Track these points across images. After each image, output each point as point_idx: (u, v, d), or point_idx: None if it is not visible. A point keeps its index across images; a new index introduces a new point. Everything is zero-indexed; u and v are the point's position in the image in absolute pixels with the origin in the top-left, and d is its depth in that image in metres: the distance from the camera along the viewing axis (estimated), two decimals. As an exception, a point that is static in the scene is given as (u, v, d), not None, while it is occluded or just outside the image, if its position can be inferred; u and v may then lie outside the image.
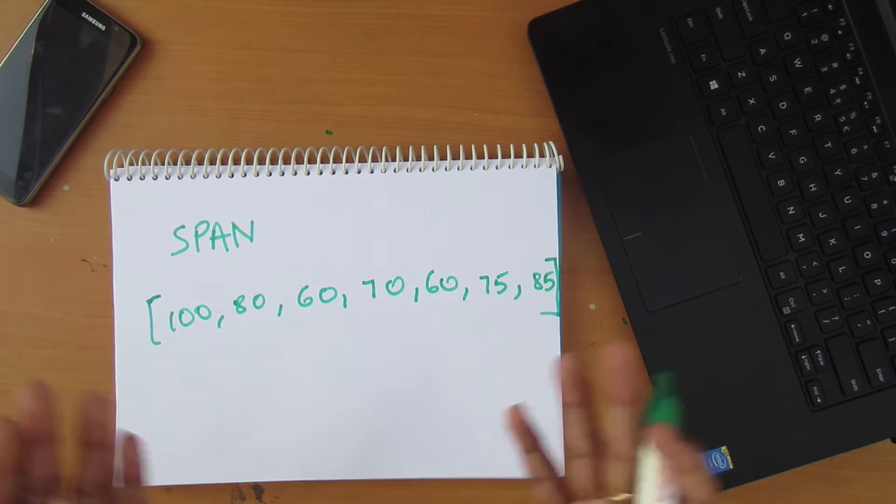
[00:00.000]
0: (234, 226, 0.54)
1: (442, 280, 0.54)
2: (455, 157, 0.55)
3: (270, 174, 0.54)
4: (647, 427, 0.38)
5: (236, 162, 0.55)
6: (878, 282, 0.54)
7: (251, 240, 0.54)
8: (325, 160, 0.55)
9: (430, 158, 0.55)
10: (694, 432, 0.54)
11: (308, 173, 0.54)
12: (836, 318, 0.54)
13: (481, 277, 0.54)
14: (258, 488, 0.56)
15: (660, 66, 0.55)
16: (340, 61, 0.57)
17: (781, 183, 0.54)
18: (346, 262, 0.54)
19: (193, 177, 0.54)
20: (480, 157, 0.55)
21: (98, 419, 0.41)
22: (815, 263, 0.54)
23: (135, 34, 0.55)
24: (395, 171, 0.55)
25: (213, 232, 0.54)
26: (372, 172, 0.55)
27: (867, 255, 0.54)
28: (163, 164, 0.54)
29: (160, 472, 0.54)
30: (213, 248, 0.54)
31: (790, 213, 0.54)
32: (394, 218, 0.54)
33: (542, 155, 0.55)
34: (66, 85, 0.55)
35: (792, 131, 0.54)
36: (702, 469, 0.38)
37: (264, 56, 0.57)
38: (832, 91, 0.54)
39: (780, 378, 0.54)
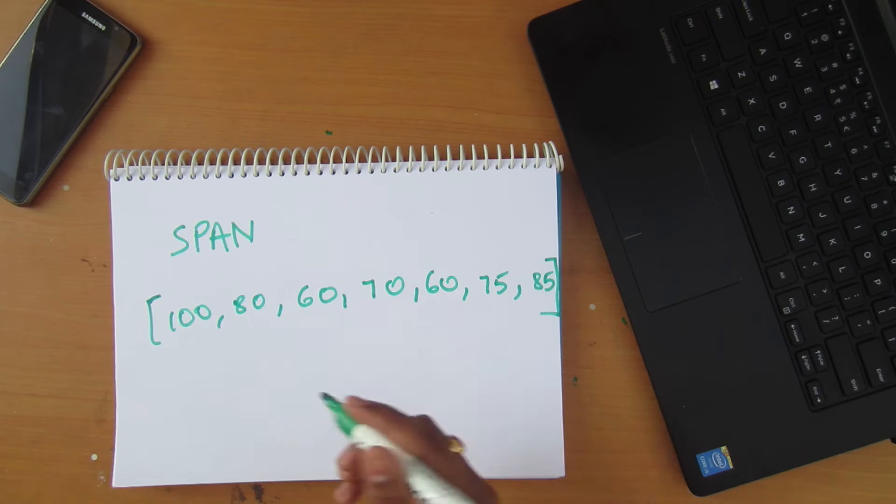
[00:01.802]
0: (234, 226, 0.54)
1: (442, 280, 0.54)
2: (455, 157, 0.55)
3: (270, 174, 0.54)
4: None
5: (236, 162, 0.55)
6: (878, 282, 0.54)
7: (251, 240, 0.54)
8: (325, 160, 0.55)
9: (430, 158, 0.55)
10: (694, 432, 0.55)
11: (308, 173, 0.54)
12: (836, 318, 0.54)
13: (481, 277, 0.54)
14: (258, 488, 0.56)
15: (660, 66, 0.55)
16: (341, 61, 0.57)
17: (781, 183, 0.54)
18: (346, 262, 0.54)
19: (193, 177, 0.54)
20: (480, 157, 0.55)
21: None
22: (815, 263, 0.54)
23: (135, 34, 0.55)
24: (395, 171, 0.55)
25: (213, 232, 0.54)
26: (372, 172, 0.55)
27: (867, 255, 0.54)
28: (163, 164, 0.54)
29: (160, 472, 0.54)
30: (213, 248, 0.54)
31: (790, 213, 0.54)
32: (394, 218, 0.54)
33: (542, 155, 0.55)
34: (66, 85, 0.55)
35: (792, 131, 0.54)
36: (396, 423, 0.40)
37: (264, 56, 0.57)
38: (832, 91, 0.54)
39: (780, 378, 0.54)
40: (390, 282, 0.54)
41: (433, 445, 0.40)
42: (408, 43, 0.57)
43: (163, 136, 0.57)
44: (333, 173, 0.55)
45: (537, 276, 0.54)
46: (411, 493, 0.39)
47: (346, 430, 0.42)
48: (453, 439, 0.42)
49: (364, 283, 0.54)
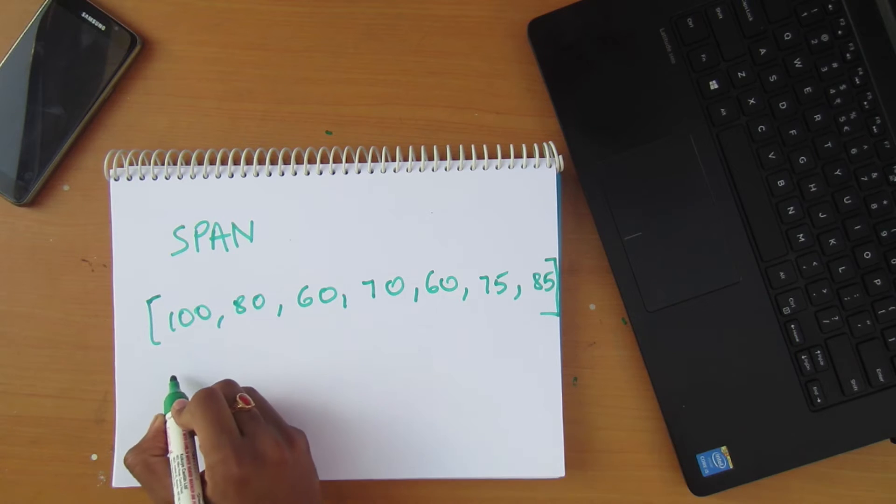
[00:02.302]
0: (234, 226, 0.54)
1: (442, 280, 0.54)
2: (455, 157, 0.55)
3: (270, 174, 0.54)
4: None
5: (236, 162, 0.55)
6: (878, 282, 0.54)
7: (251, 240, 0.54)
8: (325, 160, 0.55)
9: (430, 158, 0.55)
10: (694, 432, 0.55)
11: (308, 173, 0.54)
12: (836, 318, 0.54)
13: (481, 277, 0.54)
14: (258, 488, 0.56)
15: (660, 66, 0.55)
16: (341, 61, 0.57)
17: (781, 183, 0.54)
18: (346, 262, 0.54)
19: (193, 177, 0.54)
20: (480, 157, 0.55)
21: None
22: (815, 263, 0.54)
23: (135, 34, 0.55)
24: (395, 171, 0.55)
25: (213, 232, 0.54)
26: (372, 172, 0.55)
27: (867, 255, 0.54)
28: (163, 164, 0.54)
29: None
30: (213, 248, 0.54)
31: (790, 213, 0.54)
32: (394, 218, 0.54)
33: (542, 155, 0.55)
34: (66, 85, 0.55)
35: (792, 131, 0.54)
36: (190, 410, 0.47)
37: (264, 56, 0.57)
38: (832, 91, 0.54)
39: (780, 378, 0.54)
40: (390, 282, 0.54)
41: (211, 412, 0.46)
42: (408, 43, 0.57)
43: (163, 136, 0.57)
44: (333, 173, 0.55)
45: (537, 276, 0.54)
46: (165, 468, 0.47)
47: (166, 409, 0.50)
48: (241, 397, 0.48)
49: (364, 283, 0.54)
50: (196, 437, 0.47)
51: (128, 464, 0.48)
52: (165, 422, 0.49)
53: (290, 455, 0.47)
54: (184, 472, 0.46)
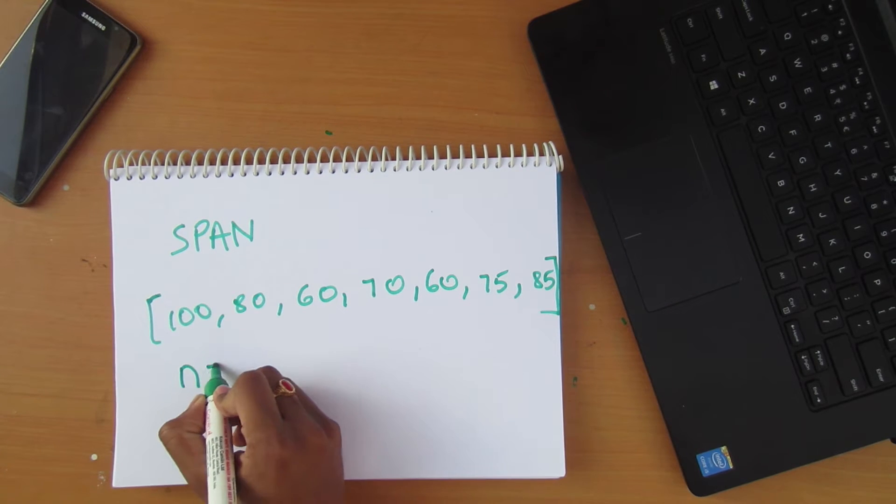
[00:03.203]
0: (234, 225, 0.54)
1: (442, 279, 0.54)
2: (455, 156, 0.55)
3: (270, 174, 0.54)
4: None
5: (236, 162, 0.55)
6: (878, 282, 0.54)
7: (251, 239, 0.54)
8: (325, 160, 0.55)
9: (430, 158, 0.55)
10: (694, 432, 0.55)
11: (308, 173, 0.54)
12: (836, 318, 0.54)
13: (481, 276, 0.54)
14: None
15: (660, 66, 0.55)
16: (341, 61, 0.57)
17: (781, 183, 0.54)
18: (346, 261, 0.54)
19: (193, 176, 0.54)
20: (480, 156, 0.55)
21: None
22: (815, 263, 0.54)
23: (135, 34, 0.55)
24: (394, 170, 0.55)
25: (213, 231, 0.54)
26: (372, 172, 0.55)
27: (867, 255, 0.54)
28: (163, 164, 0.54)
29: (160, 472, 0.54)
30: (213, 247, 0.54)
31: (790, 213, 0.54)
32: (394, 217, 0.54)
33: (542, 154, 0.55)
34: (66, 85, 0.55)
35: (792, 131, 0.54)
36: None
37: (264, 56, 0.57)
38: (832, 91, 0.54)
39: (780, 378, 0.54)
40: (390, 280, 0.54)
41: (256, 393, 0.46)
42: (407, 43, 0.57)
43: (163, 136, 0.57)
44: (333, 173, 0.55)
45: (537, 275, 0.54)
46: (201, 450, 0.48)
47: (207, 392, 0.51)
48: (283, 383, 0.49)
49: (364, 281, 0.54)
50: (235, 423, 0.48)
51: (162, 436, 0.49)
52: (206, 403, 0.50)
53: (328, 443, 0.48)
54: (221, 454, 0.46)
